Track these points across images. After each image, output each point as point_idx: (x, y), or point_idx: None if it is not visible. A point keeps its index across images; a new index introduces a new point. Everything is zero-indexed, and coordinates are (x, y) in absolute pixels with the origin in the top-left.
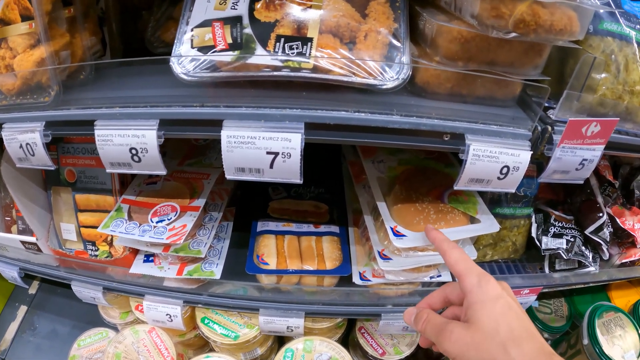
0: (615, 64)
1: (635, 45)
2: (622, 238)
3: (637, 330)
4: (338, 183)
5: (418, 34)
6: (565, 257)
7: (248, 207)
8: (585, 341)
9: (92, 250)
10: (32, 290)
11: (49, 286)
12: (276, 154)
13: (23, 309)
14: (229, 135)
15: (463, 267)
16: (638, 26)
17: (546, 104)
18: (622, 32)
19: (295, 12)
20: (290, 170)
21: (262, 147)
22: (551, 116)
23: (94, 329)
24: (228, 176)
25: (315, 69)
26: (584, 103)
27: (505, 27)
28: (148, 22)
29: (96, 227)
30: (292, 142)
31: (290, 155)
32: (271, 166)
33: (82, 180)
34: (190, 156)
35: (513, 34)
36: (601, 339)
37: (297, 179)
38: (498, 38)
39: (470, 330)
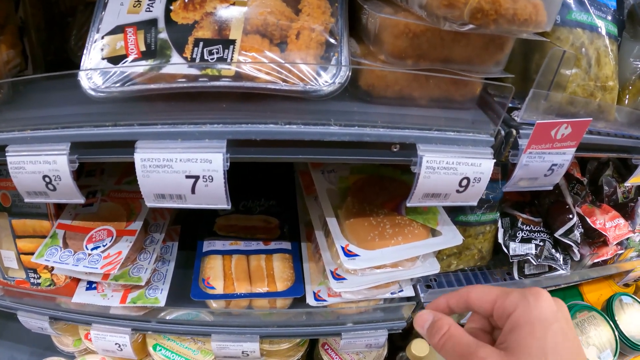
0: (586, 58)
1: (606, 36)
2: (593, 238)
3: (612, 328)
4: (290, 194)
5: (361, 29)
6: (535, 263)
7: (195, 224)
8: None
9: (34, 278)
10: None
11: (3, 311)
12: (196, 177)
13: None
14: (143, 159)
15: (495, 292)
16: (609, 16)
17: (509, 104)
18: (592, 22)
19: (217, 11)
20: (215, 195)
21: (180, 170)
22: (516, 118)
23: (47, 359)
24: (148, 203)
25: (238, 76)
26: (553, 102)
27: (459, 18)
28: (73, 30)
29: None
30: (213, 164)
31: (212, 179)
32: (193, 191)
33: (17, 205)
34: (128, 173)
35: (469, 26)
36: None
37: (224, 205)
38: (452, 31)
39: None
